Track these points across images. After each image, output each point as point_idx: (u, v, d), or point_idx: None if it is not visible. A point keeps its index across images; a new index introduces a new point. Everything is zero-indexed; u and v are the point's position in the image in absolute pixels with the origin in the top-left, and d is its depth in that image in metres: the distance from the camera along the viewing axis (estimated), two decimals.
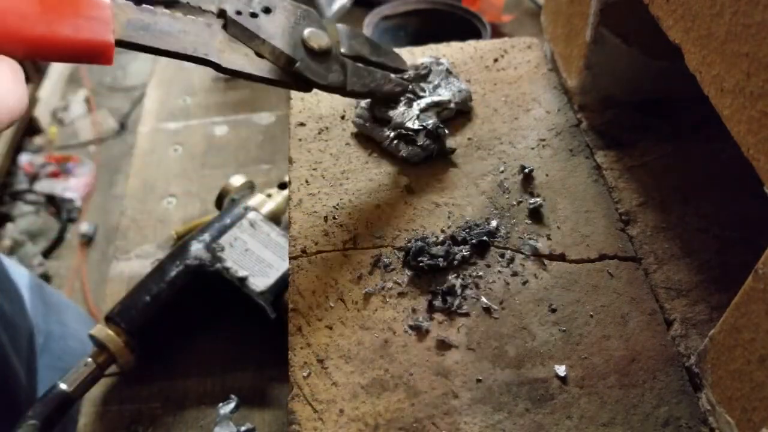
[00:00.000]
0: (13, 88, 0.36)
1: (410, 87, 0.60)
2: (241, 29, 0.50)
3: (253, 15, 0.51)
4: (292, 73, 0.51)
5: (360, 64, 0.55)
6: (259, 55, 0.50)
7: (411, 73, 0.65)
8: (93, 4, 0.40)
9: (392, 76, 0.58)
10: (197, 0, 0.49)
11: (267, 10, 0.52)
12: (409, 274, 0.54)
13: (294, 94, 0.71)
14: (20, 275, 0.81)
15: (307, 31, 0.52)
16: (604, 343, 0.49)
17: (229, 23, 0.49)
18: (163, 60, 1.14)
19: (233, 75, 0.49)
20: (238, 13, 0.50)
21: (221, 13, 0.49)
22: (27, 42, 0.37)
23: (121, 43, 0.42)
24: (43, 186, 1.87)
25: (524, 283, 0.53)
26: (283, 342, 0.50)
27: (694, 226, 0.57)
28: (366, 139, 0.65)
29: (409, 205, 0.59)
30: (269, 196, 0.78)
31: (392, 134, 0.62)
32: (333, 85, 0.53)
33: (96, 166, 1.92)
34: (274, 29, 0.51)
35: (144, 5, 0.45)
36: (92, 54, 0.40)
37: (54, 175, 1.90)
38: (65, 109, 2.16)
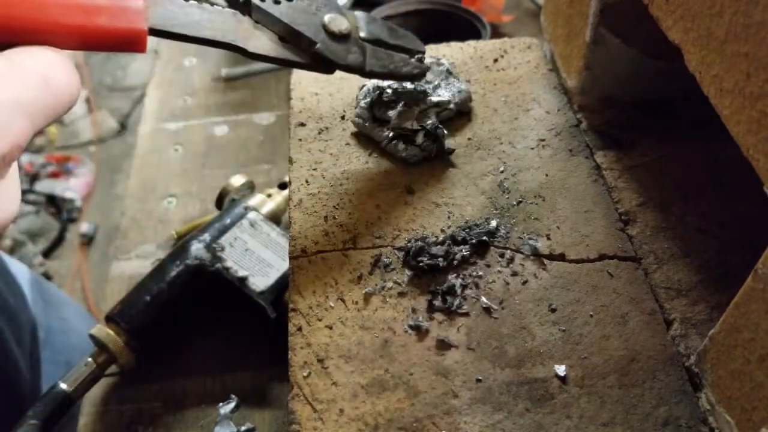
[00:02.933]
0: (67, 76, 0.37)
1: (426, 71, 0.61)
2: (264, 14, 0.52)
3: (276, 2, 0.53)
4: (313, 55, 0.53)
5: (379, 48, 0.57)
6: (282, 39, 0.53)
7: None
8: None
9: (411, 59, 0.59)
10: None
11: None
12: (409, 274, 0.54)
13: (294, 94, 0.71)
14: (20, 271, 0.82)
15: (327, 17, 0.54)
16: (604, 343, 0.50)
17: (253, 9, 0.51)
18: (163, 60, 1.14)
19: (259, 59, 0.52)
20: (262, 0, 0.52)
21: (246, 1, 0.51)
22: (67, 32, 0.39)
23: (154, 31, 0.44)
24: (44, 186, 1.87)
25: (524, 283, 0.53)
26: (283, 342, 0.51)
27: (693, 226, 0.57)
28: (366, 139, 0.65)
29: (409, 205, 0.59)
30: (269, 196, 0.78)
31: (391, 134, 0.63)
32: (353, 65, 0.55)
33: (96, 166, 1.92)
34: (296, 15, 0.53)
35: None
36: (128, 42, 0.41)
37: (54, 175, 1.90)
38: None
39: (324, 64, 0.54)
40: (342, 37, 0.55)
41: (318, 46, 0.53)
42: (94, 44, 0.41)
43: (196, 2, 0.48)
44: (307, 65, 0.54)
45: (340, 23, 0.55)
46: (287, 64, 0.54)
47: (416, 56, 0.60)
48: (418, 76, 0.60)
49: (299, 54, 0.53)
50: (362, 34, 0.56)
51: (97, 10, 0.40)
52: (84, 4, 0.40)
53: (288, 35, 0.53)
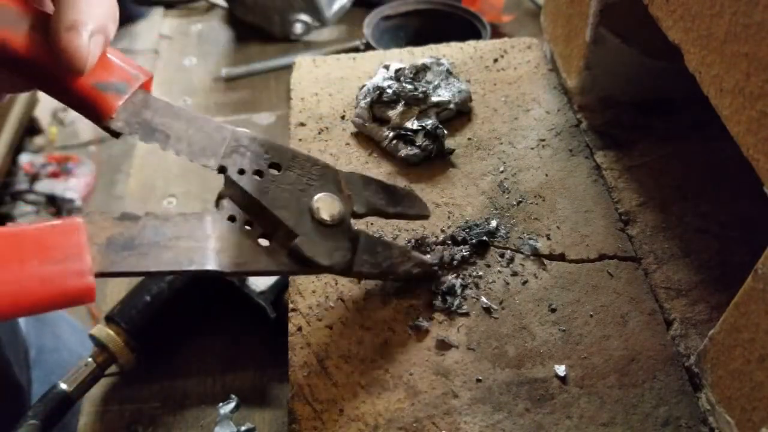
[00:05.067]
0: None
1: (435, 268, 0.52)
2: (239, 192, 0.44)
3: (258, 173, 0.45)
4: (290, 251, 0.44)
5: (376, 237, 0.49)
6: (263, 235, 0.45)
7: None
8: (62, 233, 0.36)
9: (414, 254, 0.51)
10: (196, 154, 0.44)
11: (276, 166, 0.46)
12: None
13: (294, 94, 0.71)
14: None
15: (317, 197, 0.46)
16: (604, 343, 0.50)
17: (227, 183, 0.45)
18: (163, 60, 1.14)
19: (238, 276, 0.43)
20: (241, 171, 0.45)
21: (221, 170, 0.45)
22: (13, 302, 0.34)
23: (103, 275, 0.37)
24: (44, 186, 1.87)
25: (524, 283, 0.53)
26: (283, 342, 0.51)
27: (693, 226, 0.57)
28: (366, 139, 0.65)
29: None
30: None
31: (391, 134, 0.63)
32: (337, 266, 0.45)
33: (96, 166, 1.92)
34: (279, 193, 0.45)
35: (124, 212, 0.40)
36: (70, 301, 0.35)
37: (54, 175, 1.90)
38: (65, 110, 2.16)
39: (302, 264, 0.44)
40: (331, 225, 0.45)
41: (297, 241, 0.44)
42: (27, 312, 0.35)
43: (154, 214, 0.40)
44: (291, 271, 0.46)
45: (331, 207, 0.46)
46: (275, 274, 0.45)
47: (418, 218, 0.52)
48: (418, 276, 0.51)
49: (287, 262, 0.44)
50: (356, 208, 0.48)
51: (27, 272, 0.34)
52: (28, 276, 0.34)
53: (266, 223, 0.44)
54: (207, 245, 0.41)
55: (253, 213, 0.45)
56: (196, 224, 0.42)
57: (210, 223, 0.43)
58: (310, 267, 0.45)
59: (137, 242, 0.39)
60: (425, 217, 0.53)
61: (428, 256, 0.53)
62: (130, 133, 0.43)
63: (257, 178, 0.45)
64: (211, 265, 0.41)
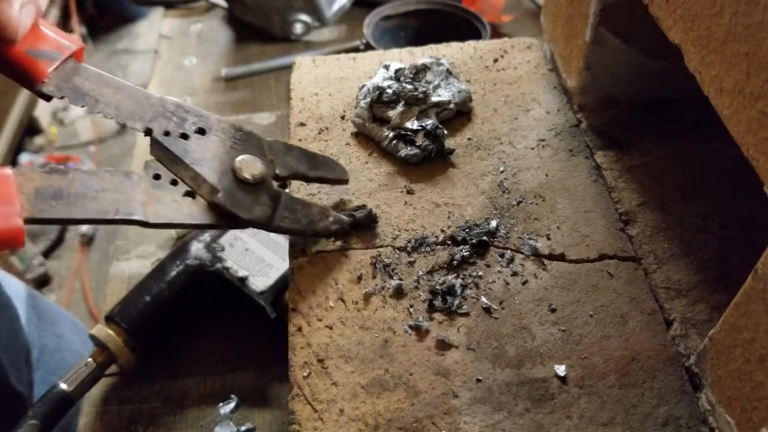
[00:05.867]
0: None
1: (348, 227, 0.55)
2: (164, 151, 0.46)
3: (184, 136, 0.47)
4: (213, 206, 0.46)
5: (297, 198, 0.52)
6: (187, 194, 0.46)
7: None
8: None
9: (332, 212, 0.54)
10: (124, 117, 0.47)
11: (201, 131, 0.48)
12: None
13: (294, 94, 0.71)
14: (14, 288, 0.81)
15: (239, 159, 0.48)
16: (604, 343, 0.49)
17: (152, 144, 0.46)
18: (163, 60, 1.14)
19: (162, 228, 0.45)
20: (166, 133, 0.47)
21: (147, 132, 0.47)
22: None
23: (32, 221, 0.39)
24: None
25: (524, 283, 0.53)
26: (283, 342, 0.51)
27: (693, 226, 0.57)
28: (366, 139, 0.65)
29: (409, 205, 0.59)
30: None
31: (391, 134, 0.63)
32: (257, 220, 0.48)
33: (96, 165, 1.92)
34: (203, 153, 0.47)
35: (52, 165, 0.42)
36: (4, 241, 0.37)
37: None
38: (65, 110, 2.16)
39: (225, 218, 0.47)
40: (253, 184, 0.48)
41: (219, 196, 0.46)
42: None
43: (83, 168, 0.43)
44: (214, 225, 0.48)
45: (252, 167, 0.48)
46: (195, 228, 0.47)
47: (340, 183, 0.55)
48: (336, 233, 0.54)
49: (208, 214, 0.47)
50: (278, 170, 0.51)
51: None
52: None
53: (190, 180, 0.46)
54: (133, 197, 0.44)
55: (177, 171, 0.47)
56: (123, 179, 0.44)
57: (137, 179, 0.45)
58: (231, 220, 0.47)
59: (65, 193, 0.41)
60: (344, 181, 0.57)
61: (344, 216, 0.55)
62: (60, 97, 0.45)
63: (182, 140, 0.47)
64: (137, 215, 0.43)
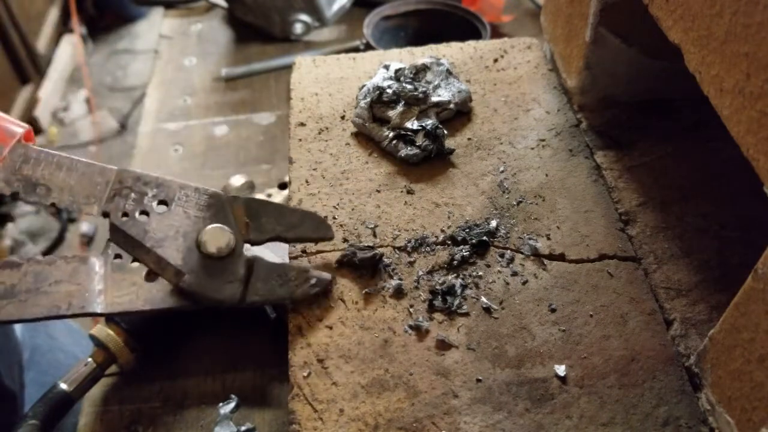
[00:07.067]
0: None
1: (331, 285, 0.51)
2: (123, 237, 0.44)
3: (144, 213, 0.45)
4: (179, 290, 0.44)
5: (272, 263, 0.48)
6: (148, 275, 0.44)
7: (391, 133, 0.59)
8: None
9: (313, 273, 0.50)
10: (79, 203, 0.44)
11: (163, 203, 0.46)
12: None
13: (294, 94, 0.71)
14: None
15: (205, 231, 0.45)
16: (604, 343, 0.49)
17: (111, 230, 0.44)
18: (163, 60, 1.14)
19: (120, 315, 0.44)
20: (125, 215, 0.44)
21: (105, 215, 0.44)
22: None
23: None
24: None
25: (524, 283, 0.53)
26: (283, 342, 0.50)
27: (693, 226, 0.57)
28: (366, 139, 0.65)
29: (409, 205, 0.59)
30: (269, 196, 0.78)
31: (391, 134, 0.63)
32: (227, 300, 0.45)
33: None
34: (165, 231, 0.44)
35: (6, 261, 0.40)
36: None
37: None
38: (66, 110, 2.16)
39: (191, 300, 0.45)
40: (221, 258, 0.44)
41: (185, 279, 0.43)
42: None
43: (38, 257, 0.41)
44: (182, 307, 0.45)
45: (219, 239, 0.45)
46: (160, 313, 0.44)
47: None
48: (317, 295, 0.50)
49: (171, 297, 0.44)
50: (252, 236, 0.47)
51: None
52: None
53: (153, 265, 0.44)
54: (88, 287, 0.42)
55: (139, 256, 0.44)
56: (79, 267, 0.42)
57: (95, 264, 0.43)
58: (200, 302, 0.45)
59: (17, 290, 0.40)
60: (329, 238, 0.52)
61: (325, 273, 0.51)
62: (11, 192, 0.43)
63: (144, 218, 0.44)
64: (91, 307, 0.41)
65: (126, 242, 0.44)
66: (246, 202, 0.48)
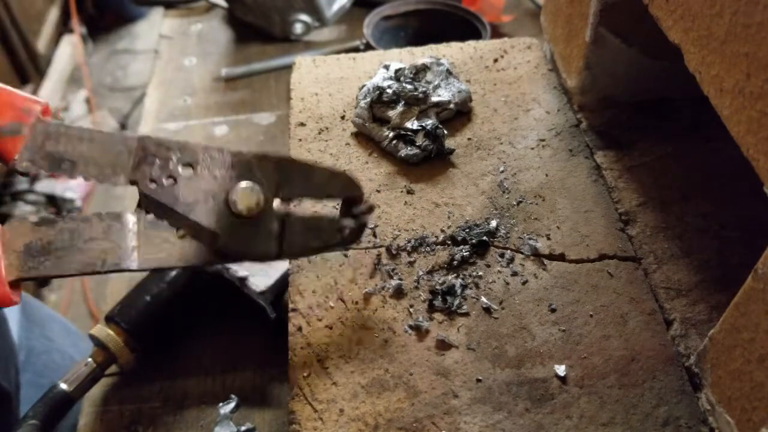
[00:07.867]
0: None
1: (365, 227, 0.50)
2: (155, 204, 0.43)
3: (171, 177, 0.44)
4: (217, 253, 0.44)
5: (303, 216, 0.47)
6: (180, 232, 0.45)
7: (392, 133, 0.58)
8: None
9: (344, 222, 0.48)
10: (106, 175, 0.44)
11: (189, 166, 0.45)
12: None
13: (294, 94, 0.71)
14: None
15: (234, 191, 0.44)
16: (604, 343, 0.49)
17: (141, 200, 0.44)
18: (163, 60, 1.14)
19: (162, 270, 0.44)
20: (153, 181, 0.44)
21: (133, 184, 0.44)
22: None
23: (20, 281, 0.39)
24: (44, 186, 1.87)
25: (524, 283, 0.53)
26: (283, 342, 0.51)
27: (693, 226, 0.57)
28: (366, 139, 0.65)
29: (409, 205, 0.59)
30: None
31: (391, 134, 0.62)
32: (265, 255, 0.45)
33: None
34: (196, 194, 0.44)
35: (43, 217, 0.41)
36: None
37: (54, 175, 1.90)
38: (66, 110, 2.16)
39: (233, 259, 0.45)
40: (253, 216, 0.44)
41: (221, 241, 0.43)
42: None
43: (73, 216, 0.41)
44: (215, 262, 0.45)
45: (249, 198, 0.44)
46: (192, 268, 0.44)
47: (356, 209, 0.48)
48: (352, 241, 0.49)
49: (204, 252, 0.44)
50: (282, 194, 0.46)
51: None
52: None
53: (188, 230, 0.44)
54: (121, 244, 0.42)
55: (173, 223, 0.44)
56: (113, 224, 0.43)
57: (128, 221, 0.43)
58: (238, 260, 0.46)
59: (53, 246, 0.40)
60: (359, 196, 0.49)
61: (350, 221, 0.49)
62: (37, 170, 0.43)
63: (171, 184, 0.44)
64: (125, 263, 0.42)
65: (158, 209, 0.44)
66: (277, 160, 0.48)
